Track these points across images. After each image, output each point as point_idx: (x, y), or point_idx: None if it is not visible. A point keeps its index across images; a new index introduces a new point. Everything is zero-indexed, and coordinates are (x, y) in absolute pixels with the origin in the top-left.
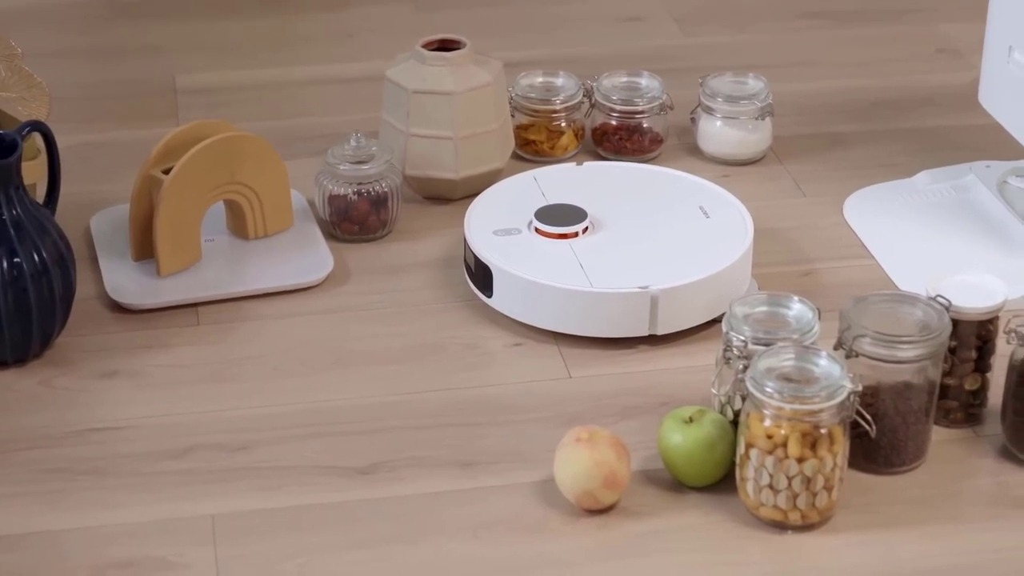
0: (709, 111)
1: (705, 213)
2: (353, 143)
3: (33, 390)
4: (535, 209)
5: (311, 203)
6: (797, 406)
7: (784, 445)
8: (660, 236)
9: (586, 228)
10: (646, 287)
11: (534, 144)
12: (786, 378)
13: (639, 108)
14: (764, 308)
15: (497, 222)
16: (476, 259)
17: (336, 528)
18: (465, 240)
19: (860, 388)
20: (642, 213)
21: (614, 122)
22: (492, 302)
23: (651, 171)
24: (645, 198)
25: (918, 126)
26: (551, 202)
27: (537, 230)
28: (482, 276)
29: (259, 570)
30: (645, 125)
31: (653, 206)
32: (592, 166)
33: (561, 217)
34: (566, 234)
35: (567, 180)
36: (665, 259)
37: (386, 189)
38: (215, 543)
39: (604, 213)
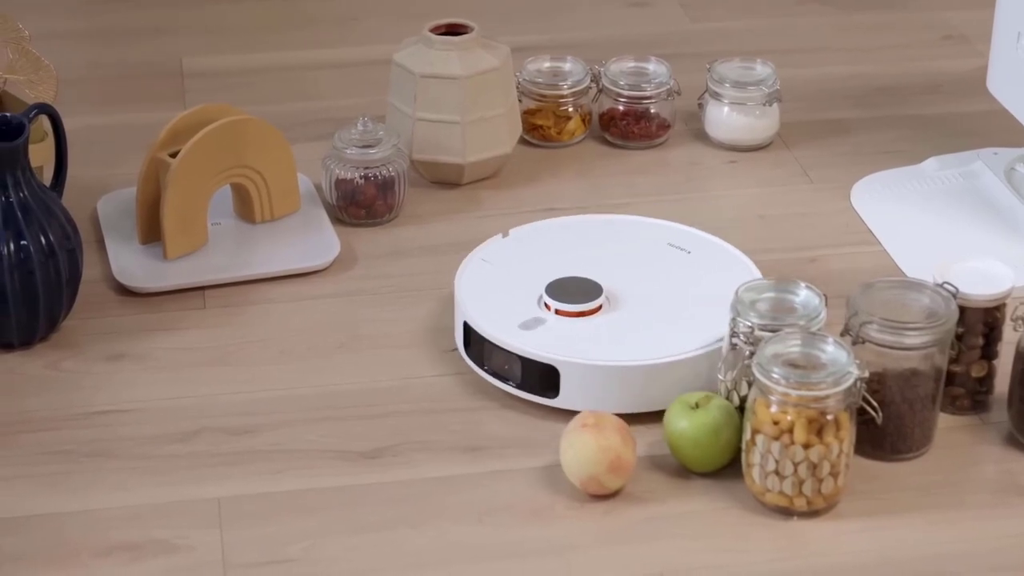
0: (716, 97)
1: (682, 249)
2: (360, 127)
3: (39, 373)
4: (532, 291)
5: (318, 187)
6: (803, 392)
7: (790, 431)
8: (669, 285)
9: (604, 299)
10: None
11: (541, 129)
12: (792, 364)
13: (646, 93)
14: (771, 294)
15: (506, 315)
16: (525, 361)
17: (341, 512)
18: (485, 341)
19: (867, 374)
20: (627, 264)
21: (621, 107)
22: (559, 401)
23: (583, 222)
24: (613, 251)
25: (926, 112)
26: (544, 276)
27: (558, 311)
28: (539, 378)
29: (264, 553)
30: (652, 111)
31: (632, 258)
32: (519, 231)
33: (574, 293)
34: (590, 310)
35: (513, 252)
36: (706, 307)
37: (393, 173)
38: (221, 526)
39: (595, 276)
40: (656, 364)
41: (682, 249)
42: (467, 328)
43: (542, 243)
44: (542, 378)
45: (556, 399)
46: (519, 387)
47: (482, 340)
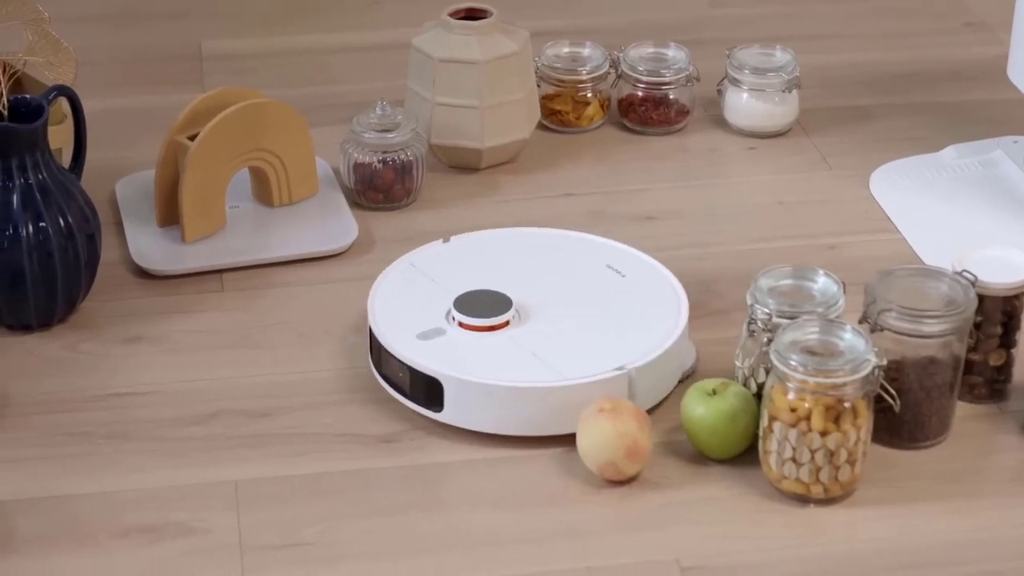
0: (736, 83)
1: (617, 272)
2: (379, 111)
3: (57, 354)
4: (447, 301)
5: (336, 171)
6: (821, 379)
7: (807, 418)
8: (591, 307)
9: (514, 314)
10: (622, 368)
11: (560, 114)
12: (810, 351)
13: (665, 79)
14: (789, 281)
15: (411, 323)
16: (413, 372)
17: (357, 495)
18: (381, 348)
19: (885, 362)
20: (555, 282)
21: (640, 93)
22: (443, 416)
23: (529, 235)
24: (546, 267)
25: (945, 100)
26: (453, 290)
27: (462, 324)
28: (425, 390)
29: (281, 536)
30: (671, 97)
31: (562, 276)
32: (461, 239)
33: (482, 306)
34: (498, 325)
35: (447, 260)
36: (619, 333)
37: (411, 158)
38: (238, 509)
39: (517, 291)
40: (543, 387)
41: (618, 272)
42: (371, 333)
43: (478, 253)
44: (428, 390)
45: (441, 413)
46: (408, 397)
47: (380, 347)
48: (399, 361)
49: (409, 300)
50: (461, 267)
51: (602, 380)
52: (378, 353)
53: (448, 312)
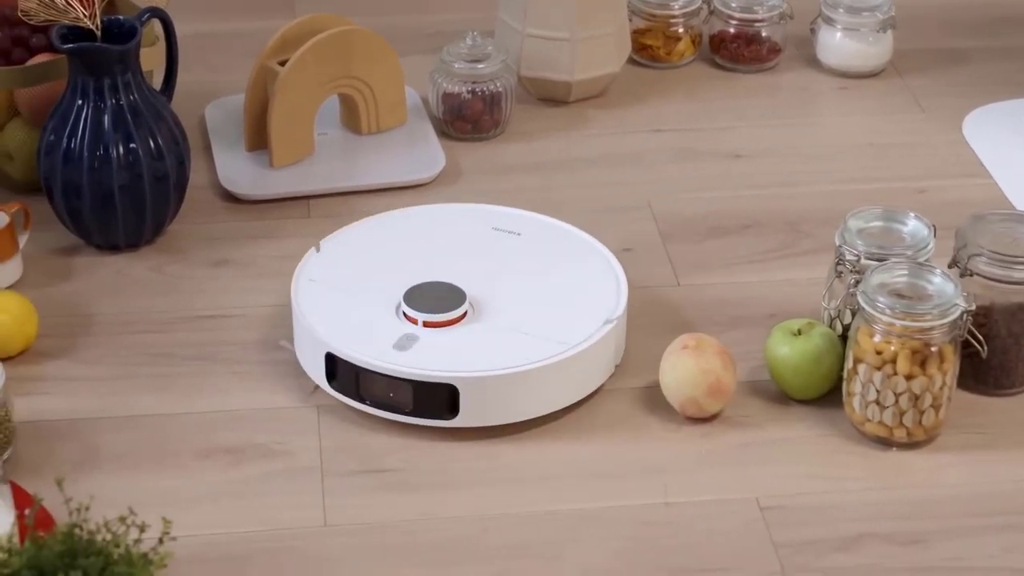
0: (829, 22)
1: (508, 231)
2: (469, 41)
3: (145, 275)
4: (397, 301)
5: (425, 100)
6: (908, 323)
7: (893, 361)
8: (522, 272)
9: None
10: (611, 320)
11: (650, 49)
12: (898, 294)
13: (758, 16)
14: (879, 223)
15: (364, 337)
16: (418, 384)
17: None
18: (360, 369)
19: (973, 307)
20: (463, 258)
21: (732, 30)
22: (458, 421)
23: (398, 218)
24: (442, 245)
25: None
26: (383, 287)
27: (426, 323)
28: (437, 399)
29: (361, 462)
30: (764, 34)
31: (463, 248)
32: (330, 242)
33: (436, 300)
34: (461, 314)
35: (336, 266)
36: (567, 289)
37: (500, 89)
38: (319, 433)
39: (438, 275)
40: (559, 360)
41: (511, 232)
42: (332, 359)
43: (359, 251)
44: (438, 399)
45: (455, 419)
46: (411, 414)
47: (355, 369)
48: (391, 378)
49: (336, 314)
50: (354, 269)
51: (602, 337)
52: (353, 377)
53: (398, 310)
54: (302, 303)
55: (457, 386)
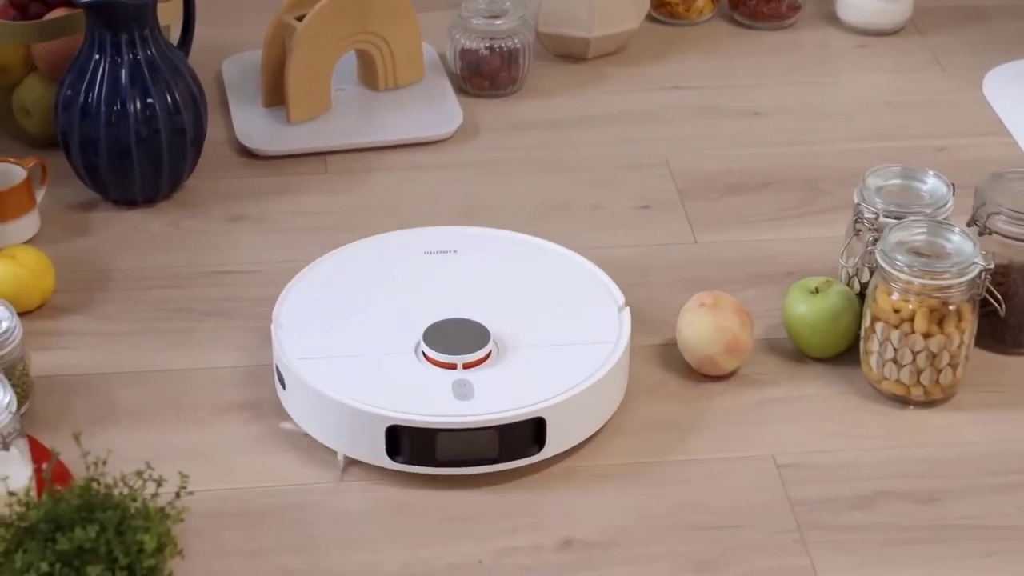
0: None
1: (448, 251)
2: None
3: (162, 230)
4: (407, 349)
5: (442, 56)
6: (927, 281)
7: (911, 320)
8: (507, 287)
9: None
10: (623, 306)
11: (669, 6)
12: (917, 252)
13: None
14: (897, 181)
15: (406, 397)
16: (505, 428)
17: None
18: (436, 432)
19: (992, 266)
20: (432, 287)
21: None
22: (543, 454)
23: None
24: (401, 277)
25: None
26: (371, 342)
27: (465, 365)
28: (522, 437)
29: None
30: None
31: (418, 277)
32: (286, 316)
33: (459, 338)
34: (486, 356)
35: (316, 307)
36: (556, 292)
37: (518, 45)
38: None
39: (427, 309)
40: (616, 361)
41: (448, 251)
42: (394, 431)
43: (327, 314)
44: (524, 436)
45: (541, 453)
46: (496, 460)
47: (429, 434)
48: (476, 431)
49: (362, 383)
50: (329, 309)
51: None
52: (429, 441)
53: (418, 355)
54: (312, 377)
55: (544, 416)
